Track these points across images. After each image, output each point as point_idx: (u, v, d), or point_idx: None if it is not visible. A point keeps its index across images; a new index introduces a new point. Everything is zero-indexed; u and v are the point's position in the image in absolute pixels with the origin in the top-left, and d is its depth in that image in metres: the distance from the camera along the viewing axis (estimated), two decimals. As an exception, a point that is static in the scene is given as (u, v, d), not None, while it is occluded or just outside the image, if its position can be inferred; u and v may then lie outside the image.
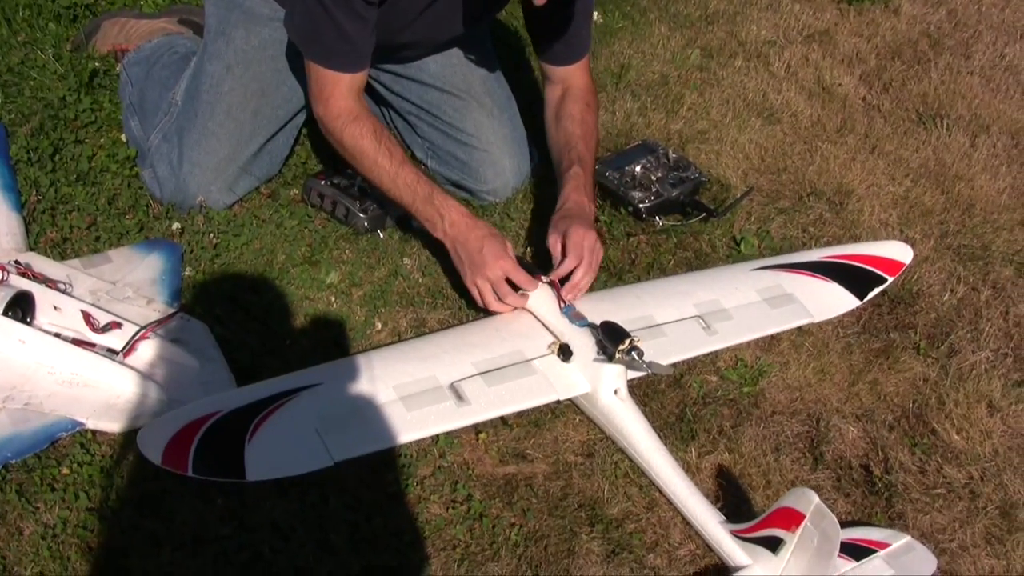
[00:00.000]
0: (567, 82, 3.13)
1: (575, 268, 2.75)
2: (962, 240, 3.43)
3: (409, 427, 2.44)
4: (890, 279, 3.15)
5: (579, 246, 2.76)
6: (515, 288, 2.75)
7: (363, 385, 2.49)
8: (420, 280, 2.99)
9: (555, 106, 3.14)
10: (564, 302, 2.71)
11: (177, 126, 3.11)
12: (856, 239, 3.35)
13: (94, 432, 2.44)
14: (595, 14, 3.84)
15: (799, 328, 2.97)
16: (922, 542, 2.46)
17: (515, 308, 2.77)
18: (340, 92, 2.82)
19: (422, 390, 2.50)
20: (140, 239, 2.97)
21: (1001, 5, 4.99)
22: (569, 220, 2.82)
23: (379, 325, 2.84)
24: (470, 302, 2.85)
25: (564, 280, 2.76)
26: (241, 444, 2.32)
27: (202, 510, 2.32)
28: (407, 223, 3.09)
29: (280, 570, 2.25)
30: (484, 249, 2.73)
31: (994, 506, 2.60)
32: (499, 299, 2.75)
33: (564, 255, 2.78)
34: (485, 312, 2.81)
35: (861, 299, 3.07)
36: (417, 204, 2.81)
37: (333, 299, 2.89)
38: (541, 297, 2.75)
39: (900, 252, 3.24)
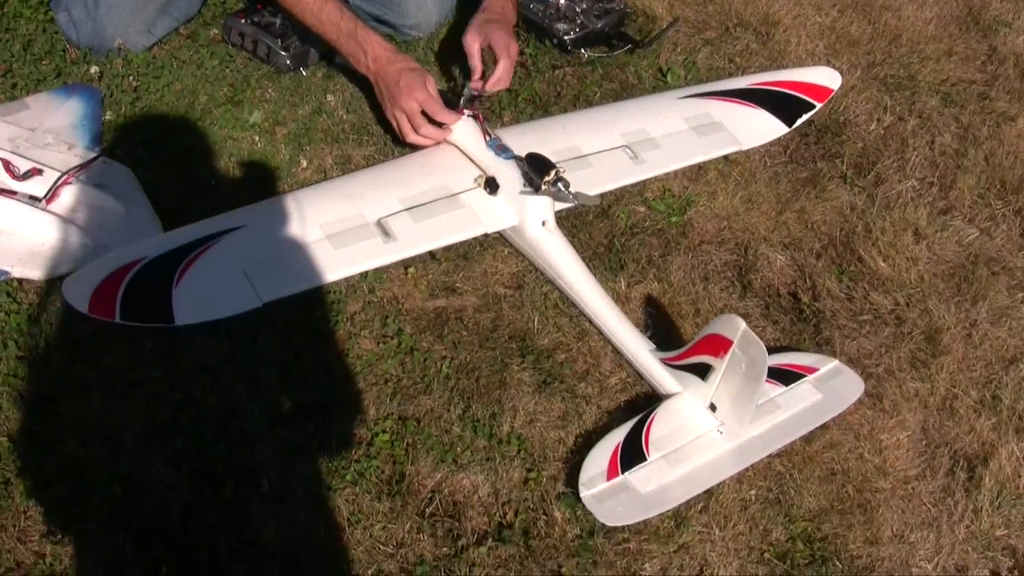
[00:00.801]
0: None
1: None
2: (888, 70, 3.43)
3: (336, 265, 2.45)
4: (818, 105, 3.16)
5: (504, 49, 2.79)
6: (435, 122, 2.73)
7: (289, 225, 2.48)
8: (344, 117, 2.96)
9: None
10: (489, 135, 2.70)
11: (92, -33, 3.02)
12: (783, 69, 3.34)
13: (20, 280, 2.41)
14: None
15: (726, 158, 2.98)
16: (849, 367, 2.50)
17: (434, 141, 2.76)
18: None
19: (348, 228, 2.50)
20: (58, 85, 2.90)
21: None
22: (491, 24, 2.83)
23: (304, 163, 2.81)
24: (395, 138, 2.83)
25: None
26: (168, 289, 2.32)
27: (131, 354, 2.31)
28: (330, 60, 3.04)
29: (211, 410, 2.26)
30: (401, 81, 2.71)
31: (919, 331, 2.65)
32: (415, 131, 2.74)
33: (483, 60, 2.82)
34: (411, 148, 2.79)
35: (790, 125, 3.08)
36: (341, 40, 2.78)
37: (257, 138, 2.85)
38: (466, 130, 2.74)
39: (828, 78, 3.25)
